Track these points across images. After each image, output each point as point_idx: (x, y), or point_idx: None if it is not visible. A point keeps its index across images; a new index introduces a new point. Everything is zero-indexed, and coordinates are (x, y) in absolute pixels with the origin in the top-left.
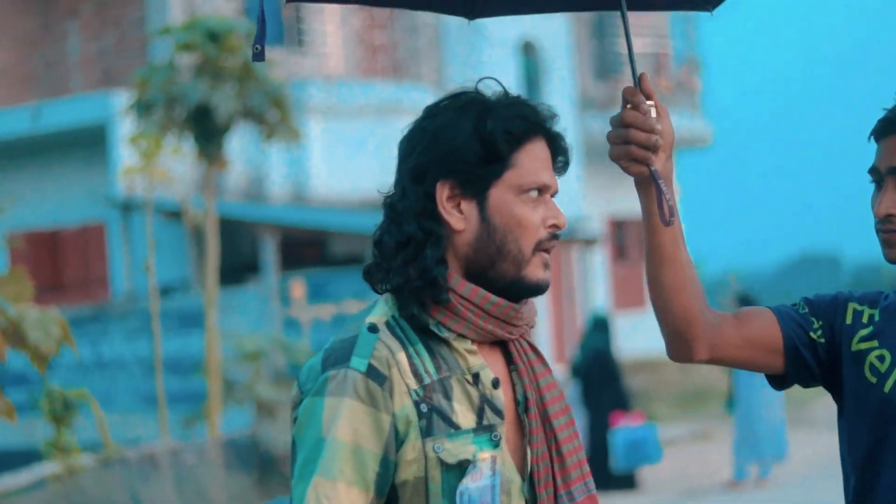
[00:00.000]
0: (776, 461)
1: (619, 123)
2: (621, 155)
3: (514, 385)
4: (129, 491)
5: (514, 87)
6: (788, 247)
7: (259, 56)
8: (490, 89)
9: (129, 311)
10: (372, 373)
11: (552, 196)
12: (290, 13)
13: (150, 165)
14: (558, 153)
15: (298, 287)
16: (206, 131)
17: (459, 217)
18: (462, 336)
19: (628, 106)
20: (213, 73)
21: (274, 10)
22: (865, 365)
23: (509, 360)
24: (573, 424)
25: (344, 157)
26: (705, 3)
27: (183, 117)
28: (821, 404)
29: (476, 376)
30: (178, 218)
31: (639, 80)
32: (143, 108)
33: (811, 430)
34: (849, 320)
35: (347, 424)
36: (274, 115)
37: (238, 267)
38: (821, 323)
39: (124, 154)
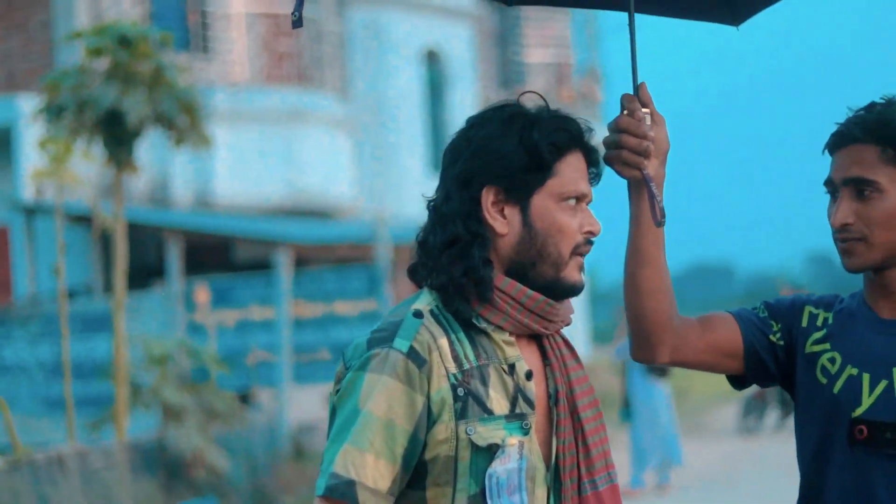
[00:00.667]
0: (673, 466)
1: (615, 128)
2: (614, 158)
3: (546, 378)
4: (36, 493)
5: (418, 95)
6: (682, 256)
7: (298, 23)
8: (531, 102)
9: (32, 316)
10: (412, 355)
11: (587, 204)
12: (195, 19)
13: (59, 170)
14: (592, 164)
15: (203, 292)
16: (117, 136)
17: (503, 221)
18: (500, 328)
19: (624, 112)
20: (124, 79)
21: None
22: (817, 366)
23: (544, 354)
24: (601, 417)
25: (248, 163)
26: (732, 18)
27: (93, 122)
28: (716, 413)
29: (512, 367)
30: (83, 222)
31: (637, 89)
32: (53, 112)
33: (710, 438)
34: (804, 323)
35: (383, 400)
36: (184, 120)
37: (143, 272)
38: (779, 326)
39: (31, 158)
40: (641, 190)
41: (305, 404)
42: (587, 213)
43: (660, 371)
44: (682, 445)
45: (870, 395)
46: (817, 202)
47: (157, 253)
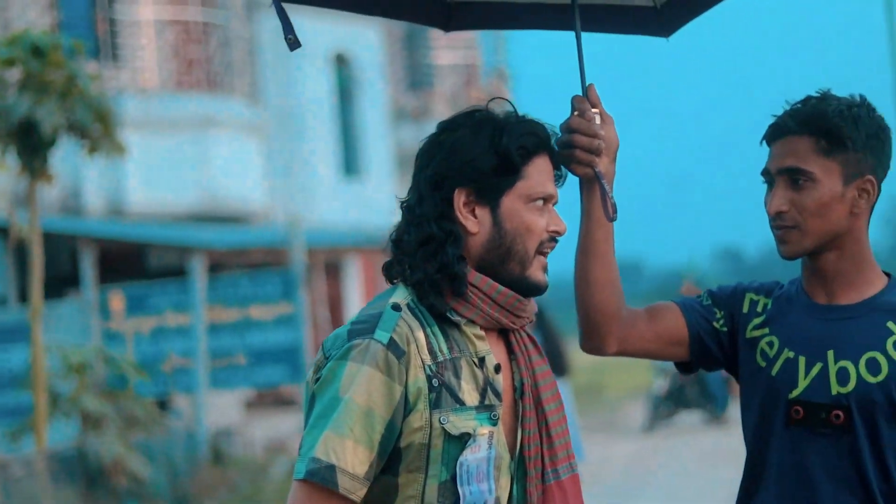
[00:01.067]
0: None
1: (566, 128)
2: (567, 157)
3: (512, 372)
4: None
5: (328, 99)
6: None
7: (296, 44)
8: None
9: None
10: (392, 346)
11: (553, 205)
12: (104, 28)
13: None
14: (557, 167)
15: (118, 300)
16: (31, 146)
17: (474, 221)
18: (472, 322)
19: (575, 113)
20: (37, 88)
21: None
22: (757, 350)
23: (510, 349)
24: (562, 410)
25: (160, 170)
26: (661, 30)
27: (6, 132)
28: (628, 410)
29: (482, 360)
30: None
31: (586, 90)
32: None
33: (619, 435)
34: (745, 309)
35: (364, 389)
36: (97, 129)
37: (57, 281)
38: (723, 313)
39: None
40: (593, 187)
41: (222, 409)
42: (553, 213)
43: (560, 369)
44: (594, 442)
45: (805, 378)
46: (724, 198)
47: (71, 262)
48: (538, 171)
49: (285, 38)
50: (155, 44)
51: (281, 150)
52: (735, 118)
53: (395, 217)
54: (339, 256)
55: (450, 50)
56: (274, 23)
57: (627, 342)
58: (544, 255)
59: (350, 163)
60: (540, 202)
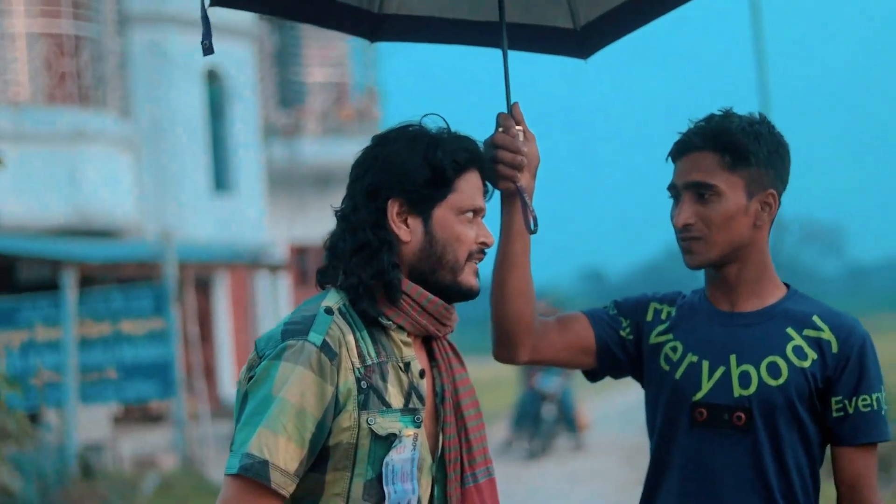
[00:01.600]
0: None
1: (491, 144)
2: (491, 172)
3: (434, 378)
4: None
5: (200, 113)
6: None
7: (209, 50)
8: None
9: None
10: (325, 348)
11: (482, 217)
12: None
13: None
14: (485, 181)
15: None
16: None
17: (406, 230)
18: (401, 328)
19: (500, 129)
20: None
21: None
22: (661, 355)
23: (432, 356)
24: (481, 417)
25: (32, 184)
26: (580, 51)
27: None
28: (489, 433)
29: (407, 365)
30: None
31: (511, 108)
32: None
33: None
34: (649, 318)
35: (297, 388)
36: None
37: None
38: (628, 321)
39: None
40: (514, 200)
41: (91, 424)
42: (482, 226)
43: None
44: None
45: (709, 381)
46: (586, 221)
47: None
48: (469, 185)
49: (201, 43)
50: (26, 56)
51: (152, 164)
52: (605, 142)
53: (266, 233)
54: (209, 272)
55: (321, 68)
56: (146, 37)
57: (539, 351)
58: (476, 261)
59: (221, 178)
60: (470, 214)
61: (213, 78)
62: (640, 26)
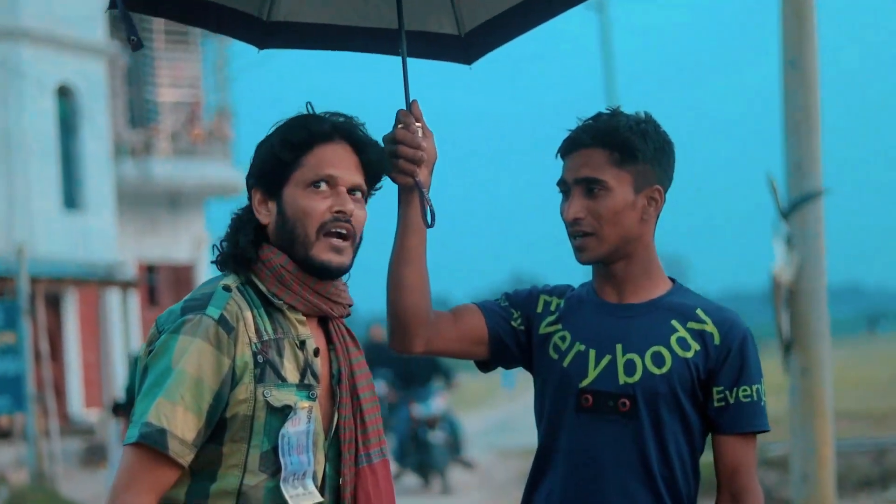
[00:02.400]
0: None
1: (391, 140)
2: (390, 167)
3: (330, 360)
4: None
5: (51, 130)
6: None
7: (138, 45)
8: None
9: None
10: (223, 322)
11: (354, 192)
12: None
13: None
14: (361, 153)
15: None
16: None
17: (266, 213)
18: (294, 308)
19: (399, 126)
20: None
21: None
22: (550, 344)
23: (329, 339)
24: (376, 399)
25: None
26: (465, 57)
27: None
28: None
29: (303, 343)
30: None
31: (410, 106)
32: None
33: None
34: (539, 309)
35: (195, 360)
36: None
37: None
38: (519, 313)
39: None
40: (412, 195)
41: None
42: (342, 196)
43: None
44: None
45: (595, 368)
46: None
47: None
48: (317, 159)
49: (128, 39)
50: None
51: (2, 179)
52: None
53: (116, 251)
54: (59, 289)
55: (173, 87)
56: None
57: (433, 342)
58: (334, 235)
59: (71, 196)
60: (321, 185)
61: (64, 94)
62: (522, 32)
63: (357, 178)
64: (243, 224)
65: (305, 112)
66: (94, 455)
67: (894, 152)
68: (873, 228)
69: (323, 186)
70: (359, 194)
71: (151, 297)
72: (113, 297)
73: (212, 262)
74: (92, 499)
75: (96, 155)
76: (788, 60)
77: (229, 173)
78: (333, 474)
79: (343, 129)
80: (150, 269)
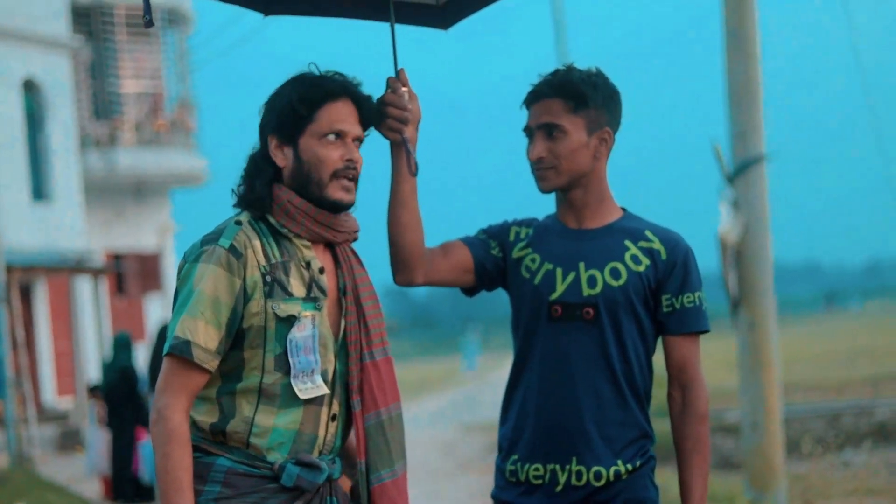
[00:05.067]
0: None
1: (381, 102)
2: (381, 125)
3: (337, 277)
4: None
5: (18, 123)
6: None
7: (150, 23)
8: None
9: None
10: (232, 250)
11: (356, 141)
12: None
13: None
14: (361, 108)
15: None
16: None
17: (282, 157)
18: (299, 235)
19: (389, 90)
20: None
21: None
22: (522, 266)
23: (336, 260)
24: (379, 308)
25: None
26: (443, 23)
27: None
28: None
29: (308, 263)
30: None
31: (398, 73)
32: None
33: None
34: (511, 238)
35: (211, 282)
36: None
37: None
38: (496, 242)
39: None
40: (401, 149)
41: None
42: (350, 147)
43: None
44: None
45: (562, 283)
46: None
47: None
48: (329, 114)
49: (143, 18)
50: None
51: None
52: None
53: (84, 241)
54: (31, 278)
55: (135, 79)
56: None
57: (430, 274)
58: (344, 178)
59: (39, 187)
60: (332, 137)
61: (30, 88)
62: (491, 3)
63: (359, 131)
64: (259, 169)
65: (310, 71)
66: (69, 440)
67: (835, 125)
68: (829, 207)
69: (333, 138)
70: (358, 142)
71: (119, 286)
72: (83, 285)
73: (233, 206)
74: (69, 481)
75: (63, 147)
76: (729, 30)
77: (193, 162)
78: (343, 370)
79: (349, 88)
80: (117, 258)
